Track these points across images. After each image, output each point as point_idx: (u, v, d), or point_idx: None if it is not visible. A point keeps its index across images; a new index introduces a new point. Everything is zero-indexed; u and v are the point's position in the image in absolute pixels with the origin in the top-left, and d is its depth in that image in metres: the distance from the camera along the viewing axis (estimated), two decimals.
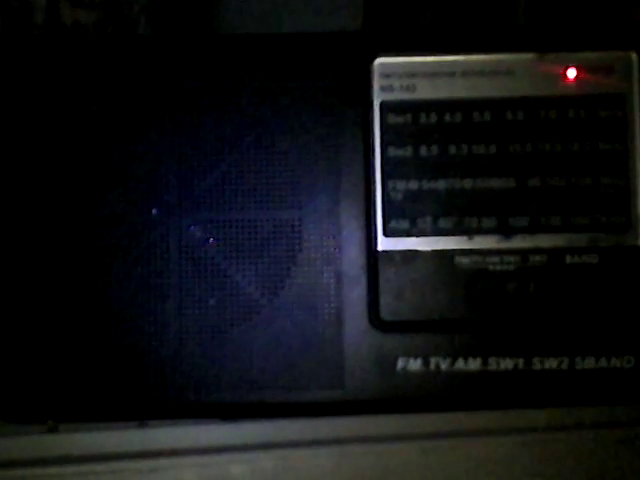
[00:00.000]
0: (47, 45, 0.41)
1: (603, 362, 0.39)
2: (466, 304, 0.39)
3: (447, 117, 0.40)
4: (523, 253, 0.39)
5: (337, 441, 0.41)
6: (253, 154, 0.40)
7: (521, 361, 0.39)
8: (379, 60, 0.40)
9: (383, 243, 0.39)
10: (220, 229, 0.40)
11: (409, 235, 0.39)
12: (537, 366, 0.39)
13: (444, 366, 0.39)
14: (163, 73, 0.40)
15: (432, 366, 0.39)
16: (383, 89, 0.40)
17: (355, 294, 0.39)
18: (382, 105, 0.40)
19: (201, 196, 0.40)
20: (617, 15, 0.44)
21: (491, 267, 0.39)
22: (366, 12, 0.54)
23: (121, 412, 0.40)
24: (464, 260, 0.39)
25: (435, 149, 0.40)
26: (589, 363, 0.39)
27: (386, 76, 0.40)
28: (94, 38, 0.49)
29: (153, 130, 0.40)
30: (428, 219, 0.39)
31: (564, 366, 0.39)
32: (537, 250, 0.39)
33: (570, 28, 0.41)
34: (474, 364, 0.39)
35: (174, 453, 0.40)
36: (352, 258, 0.39)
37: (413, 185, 0.40)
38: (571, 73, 0.40)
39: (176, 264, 0.39)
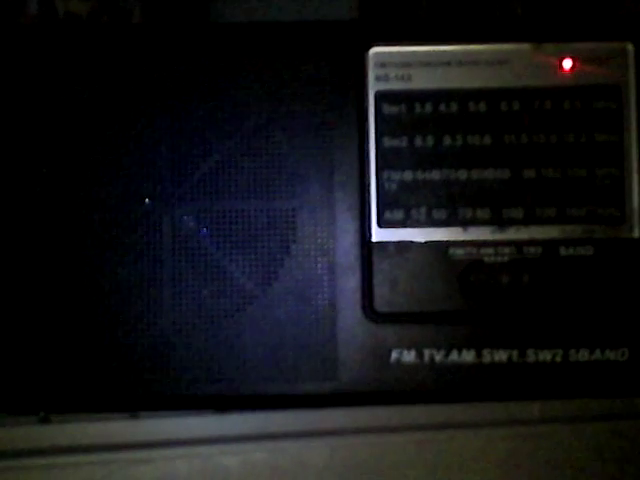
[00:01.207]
0: (40, 34, 0.41)
1: (597, 354, 0.39)
2: (460, 295, 0.39)
3: (442, 107, 0.40)
4: (517, 244, 0.39)
5: (330, 432, 0.41)
6: (247, 144, 0.40)
7: (515, 353, 0.39)
8: (374, 49, 0.40)
9: (377, 234, 0.39)
10: (213, 219, 0.39)
11: (403, 226, 0.39)
12: (531, 358, 0.39)
13: (438, 358, 0.39)
14: (156, 62, 0.40)
15: (426, 358, 0.39)
16: (378, 79, 0.40)
17: (349, 285, 0.39)
18: (377, 95, 0.40)
19: (194, 186, 0.39)
20: (613, 6, 0.43)
21: (485, 258, 0.39)
22: (362, 1, 0.54)
23: (113, 404, 0.40)
24: (458, 251, 0.39)
25: (430, 139, 0.40)
26: (583, 355, 0.39)
27: (381, 66, 0.40)
28: (87, 27, 0.48)
29: (146, 119, 0.40)
30: (422, 210, 0.39)
31: (558, 358, 0.39)
32: (532, 242, 0.39)
33: (566, 18, 0.41)
34: (468, 356, 0.39)
35: (166, 444, 0.40)
36: (346, 249, 0.39)
37: (408, 176, 0.39)
38: (567, 64, 0.40)
39: (169, 254, 0.39)
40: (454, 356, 0.39)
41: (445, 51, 0.40)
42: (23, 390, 0.39)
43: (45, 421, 0.41)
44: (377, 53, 0.40)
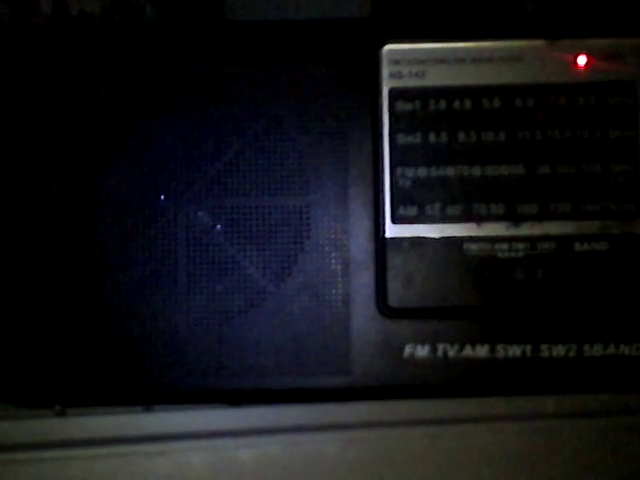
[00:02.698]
0: (53, 34, 0.41)
1: (611, 349, 0.39)
2: (474, 291, 0.39)
3: (456, 104, 0.40)
4: (532, 240, 0.39)
5: (344, 426, 0.41)
6: (261, 140, 0.40)
7: (529, 348, 0.39)
8: (388, 47, 0.40)
9: (391, 230, 0.39)
10: (228, 215, 0.40)
11: (417, 222, 0.39)
12: (545, 353, 0.39)
13: (451, 353, 0.39)
14: (171, 60, 0.40)
15: (439, 353, 0.39)
16: (392, 76, 0.40)
17: (363, 281, 0.39)
18: (391, 92, 0.40)
19: (209, 182, 0.40)
20: (627, 2, 0.43)
21: (500, 254, 0.39)
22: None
23: (128, 397, 0.40)
24: (472, 247, 0.39)
25: (444, 136, 0.40)
26: (597, 350, 0.39)
27: (395, 63, 0.40)
28: (100, 26, 0.49)
29: (161, 117, 0.40)
30: (436, 206, 0.39)
31: (572, 353, 0.39)
32: (546, 237, 0.39)
33: (580, 14, 0.41)
34: (482, 351, 0.39)
35: (181, 437, 0.40)
36: (360, 245, 0.39)
37: (422, 172, 0.39)
38: (581, 60, 0.40)
39: (184, 250, 0.39)
40: (468, 351, 0.39)
41: (459, 48, 0.40)
42: (39, 384, 0.39)
43: (61, 414, 0.41)
44: (391, 50, 0.40)
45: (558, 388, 0.40)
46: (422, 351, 0.39)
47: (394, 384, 0.39)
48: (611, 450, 0.41)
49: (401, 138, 0.40)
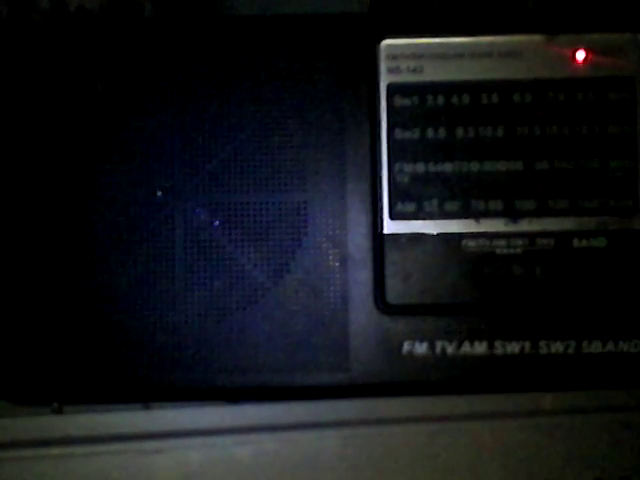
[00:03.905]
0: (52, 30, 0.41)
1: (610, 346, 0.39)
2: (473, 287, 0.39)
3: (455, 99, 0.39)
4: (530, 236, 0.39)
5: (342, 424, 0.41)
6: (258, 136, 0.40)
7: (527, 345, 0.39)
8: (386, 42, 0.40)
9: (389, 226, 0.39)
10: (225, 212, 0.39)
11: (415, 218, 0.39)
12: (544, 350, 0.39)
13: (450, 350, 0.39)
14: (167, 55, 0.40)
15: (438, 350, 0.39)
16: (390, 71, 0.40)
17: (361, 277, 0.39)
18: (389, 87, 0.40)
19: (206, 179, 0.40)
20: None
21: (498, 250, 0.39)
22: None
23: (126, 394, 0.40)
24: (471, 243, 0.39)
25: (442, 131, 0.39)
26: (596, 347, 0.39)
27: (393, 58, 0.40)
28: (98, 20, 0.49)
29: (158, 112, 0.40)
30: (435, 202, 0.39)
31: (571, 350, 0.39)
32: (544, 233, 0.39)
33: (579, 10, 0.41)
34: (480, 348, 0.39)
35: (179, 434, 0.40)
36: (358, 241, 0.39)
37: (420, 168, 0.39)
38: (580, 55, 0.39)
39: (181, 247, 0.39)
40: (466, 348, 0.39)
41: (457, 43, 0.40)
42: (36, 381, 0.39)
43: (58, 412, 0.41)
44: (389, 45, 0.40)
45: (557, 385, 0.40)
46: (420, 348, 0.39)
47: (392, 381, 0.39)
48: (610, 447, 0.41)
49: (399, 134, 0.40)
